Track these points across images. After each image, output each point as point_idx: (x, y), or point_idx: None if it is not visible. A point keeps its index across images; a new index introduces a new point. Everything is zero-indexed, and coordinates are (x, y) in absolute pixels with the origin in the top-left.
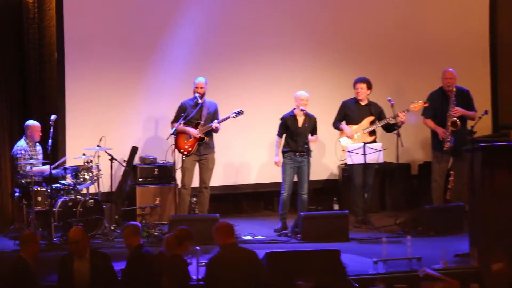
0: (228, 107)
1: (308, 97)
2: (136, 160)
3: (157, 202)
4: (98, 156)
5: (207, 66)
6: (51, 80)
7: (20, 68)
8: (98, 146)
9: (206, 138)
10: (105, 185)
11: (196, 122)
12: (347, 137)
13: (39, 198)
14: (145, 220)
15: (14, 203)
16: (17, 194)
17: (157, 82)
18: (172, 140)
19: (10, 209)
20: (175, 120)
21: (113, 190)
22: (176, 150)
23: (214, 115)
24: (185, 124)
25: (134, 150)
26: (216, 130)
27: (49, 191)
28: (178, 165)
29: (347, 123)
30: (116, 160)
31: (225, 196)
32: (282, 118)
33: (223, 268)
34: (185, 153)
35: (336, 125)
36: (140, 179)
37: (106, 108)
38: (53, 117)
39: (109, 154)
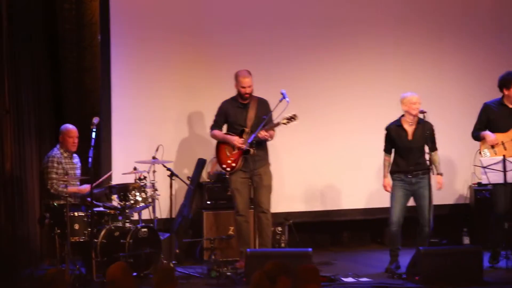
0: (315, 112)
1: (420, 99)
2: (204, 177)
3: (230, 232)
4: (154, 172)
5: (284, 63)
6: (93, 71)
7: (52, 56)
8: (153, 158)
9: (251, 150)
10: (162, 210)
11: (241, 128)
12: (490, 146)
13: (76, 226)
14: (214, 255)
15: (44, 232)
16: (47, 220)
17: (228, 79)
18: (212, 149)
19: (39, 240)
20: (216, 125)
21: (173, 216)
22: (217, 164)
23: (268, 116)
24: (228, 131)
25: (201, 163)
26: (264, 139)
27: (89, 216)
28: None
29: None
30: (177, 176)
31: (319, 225)
32: (386, 129)
33: None
34: (228, 169)
35: (476, 134)
36: (208, 202)
37: (164, 109)
38: (95, 119)
39: (168, 169)
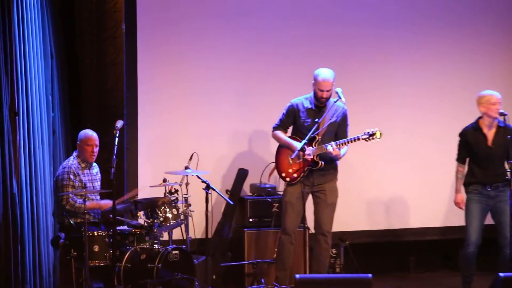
0: (380, 116)
1: (501, 99)
2: (245, 190)
3: (276, 255)
4: (187, 184)
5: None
6: (116, 67)
7: (68, 50)
8: (186, 168)
9: (321, 164)
10: (197, 228)
11: (309, 135)
12: None
13: (96, 248)
14: (257, 282)
15: (58, 254)
16: (62, 241)
17: (272, 76)
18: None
19: (52, 264)
20: (281, 126)
21: (209, 235)
22: (275, 172)
23: (341, 126)
24: (294, 134)
25: (242, 174)
26: (334, 156)
27: (111, 236)
28: None
29: None
30: (214, 189)
31: (382, 247)
32: (461, 134)
33: None
34: (287, 179)
35: None
36: (251, 219)
37: (199, 111)
38: (118, 123)
39: (204, 181)
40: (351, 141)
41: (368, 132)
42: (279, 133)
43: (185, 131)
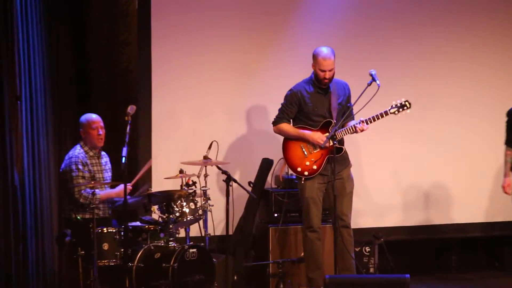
0: (419, 100)
1: None
2: (270, 182)
3: (303, 254)
4: (206, 176)
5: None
6: (129, 47)
7: (76, 29)
8: (205, 158)
9: (344, 149)
10: (217, 224)
11: (324, 121)
12: None
13: (105, 246)
14: (283, 283)
15: (64, 253)
16: (68, 238)
17: (301, 56)
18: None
19: (57, 264)
20: (283, 117)
21: (230, 232)
22: (286, 167)
23: (346, 103)
24: (299, 124)
25: (266, 165)
26: (358, 132)
27: (122, 233)
28: None
29: None
30: (235, 181)
31: (420, 244)
32: (509, 113)
33: None
34: (306, 173)
35: None
36: (276, 214)
37: (218, 96)
38: (130, 109)
39: (224, 172)
40: (380, 117)
41: (396, 105)
42: (285, 125)
43: (204, 118)
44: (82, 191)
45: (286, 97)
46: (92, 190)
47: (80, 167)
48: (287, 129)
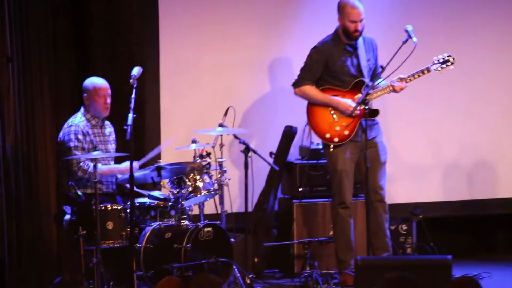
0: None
1: None
2: (293, 153)
3: (332, 233)
4: (221, 146)
5: None
6: (131, 4)
7: None
8: (221, 125)
9: (378, 112)
10: (234, 200)
11: (355, 81)
12: None
13: (110, 225)
14: (308, 266)
15: (63, 233)
16: (68, 216)
17: (326, 10)
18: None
19: (55, 245)
20: (307, 79)
21: (249, 209)
22: (311, 133)
23: (376, 60)
24: (325, 85)
25: (289, 134)
26: (396, 91)
27: (128, 211)
28: None
29: None
30: (255, 152)
31: (463, 222)
32: None
33: None
34: (336, 139)
35: None
36: (300, 189)
37: (235, 53)
38: (135, 70)
39: (242, 141)
40: (421, 74)
41: (439, 60)
42: (310, 88)
43: (219, 80)
44: (81, 163)
45: (310, 55)
46: (93, 163)
47: (80, 137)
48: (312, 92)
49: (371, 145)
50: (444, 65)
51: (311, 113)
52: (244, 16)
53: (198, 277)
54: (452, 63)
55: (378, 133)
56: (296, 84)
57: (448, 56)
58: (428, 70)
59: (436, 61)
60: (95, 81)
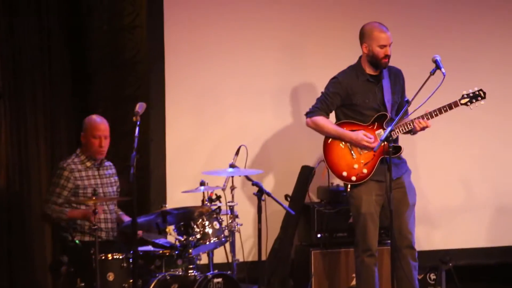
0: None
1: None
2: (311, 196)
3: (353, 284)
4: (233, 188)
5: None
6: (136, 31)
7: (72, 8)
8: (232, 166)
9: (401, 149)
10: (247, 248)
11: (377, 114)
12: None
13: (110, 276)
14: None
15: (59, 285)
16: (64, 266)
17: (350, 42)
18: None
19: None
20: (322, 109)
21: (263, 258)
22: (328, 172)
23: (403, 94)
24: (344, 119)
25: (306, 174)
26: (418, 130)
27: (131, 260)
28: None
29: None
30: (269, 195)
31: (500, 270)
32: None
33: None
34: (354, 178)
35: None
36: (319, 235)
37: (246, 89)
38: (139, 107)
39: (255, 183)
40: (448, 109)
41: (468, 94)
42: (323, 119)
43: (229, 118)
44: (51, 205)
45: (328, 86)
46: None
47: (66, 176)
48: (325, 124)
49: (397, 185)
50: (474, 100)
51: (327, 149)
52: (259, 54)
53: None
54: (482, 98)
55: (405, 172)
56: (309, 114)
57: (479, 91)
58: (456, 104)
59: (466, 95)
60: (93, 120)
